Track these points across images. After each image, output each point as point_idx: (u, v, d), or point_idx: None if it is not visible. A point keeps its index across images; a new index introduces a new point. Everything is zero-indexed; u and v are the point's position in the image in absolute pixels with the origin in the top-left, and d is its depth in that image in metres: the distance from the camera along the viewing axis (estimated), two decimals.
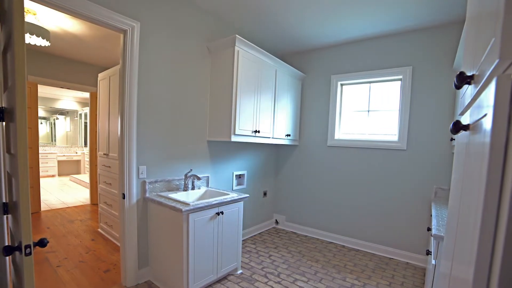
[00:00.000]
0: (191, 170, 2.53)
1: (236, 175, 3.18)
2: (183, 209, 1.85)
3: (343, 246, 3.27)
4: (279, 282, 2.34)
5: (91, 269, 2.45)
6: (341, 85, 3.40)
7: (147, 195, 2.22)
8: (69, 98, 7.96)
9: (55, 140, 8.14)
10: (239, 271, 2.49)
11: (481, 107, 0.56)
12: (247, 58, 2.59)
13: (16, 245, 0.98)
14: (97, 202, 4.64)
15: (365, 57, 3.13)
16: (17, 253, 1.00)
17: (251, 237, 3.47)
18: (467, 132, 0.72)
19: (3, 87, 1.17)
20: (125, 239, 2.15)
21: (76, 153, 8.37)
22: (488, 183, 0.44)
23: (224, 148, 2.99)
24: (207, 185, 2.78)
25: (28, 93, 3.87)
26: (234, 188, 3.17)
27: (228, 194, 2.36)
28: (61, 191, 5.82)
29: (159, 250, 2.17)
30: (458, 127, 0.71)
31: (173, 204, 1.96)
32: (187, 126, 2.53)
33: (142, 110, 2.16)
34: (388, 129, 3.09)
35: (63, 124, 8.28)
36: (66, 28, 3.09)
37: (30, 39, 2.69)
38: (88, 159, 6.18)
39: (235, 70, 2.47)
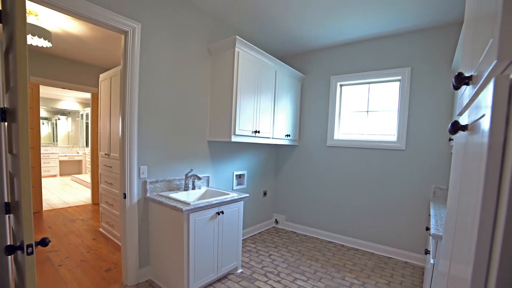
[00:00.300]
0: (192, 170, 2.56)
1: (236, 175, 3.20)
2: (183, 209, 1.87)
3: (343, 246, 3.28)
4: (279, 281, 2.36)
5: (92, 268, 2.47)
6: (340, 85, 3.42)
7: (148, 195, 2.24)
8: (70, 99, 8.00)
9: (56, 140, 8.18)
10: (239, 270, 2.51)
11: (479, 107, 0.56)
12: (247, 59, 2.60)
13: (18, 244, 0.99)
14: (98, 201, 4.67)
15: (364, 58, 3.15)
16: (19, 252, 1.01)
17: (251, 236, 3.49)
18: (465, 133, 0.72)
19: (5, 88, 1.17)
20: (126, 239, 2.17)
21: (78, 153, 8.41)
22: (486, 183, 0.44)
23: (224, 148, 3.01)
24: (208, 185, 2.80)
25: (30, 93, 3.90)
26: (234, 188, 3.19)
27: (228, 194, 2.38)
28: (63, 191, 5.86)
29: (160, 249, 2.19)
30: (456, 127, 0.71)
31: (174, 203, 1.98)
32: (187, 127, 2.55)
33: (143, 111, 2.18)
34: (387, 129, 3.10)
35: (64, 125, 8.32)
36: (68, 29, 3.12)
37: (32, 40, 2.70)
38: (89, 159, 6.21)
39: (235, 71, 2.49)
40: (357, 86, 3.32)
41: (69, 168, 8.11)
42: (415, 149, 2.84)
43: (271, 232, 3.69)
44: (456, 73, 0.70)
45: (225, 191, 2.46)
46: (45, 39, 2.76)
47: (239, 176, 3.27)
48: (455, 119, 0.81)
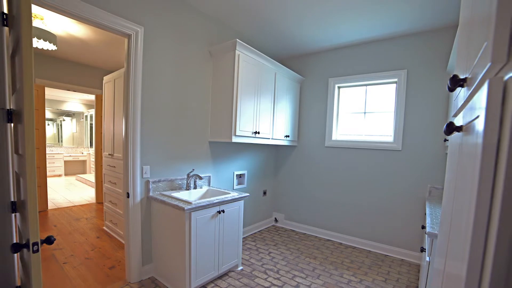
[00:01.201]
0: (193, 170, 2.62)
1: (236, 174, 3.26)
2: (185, 208, 1.91)
3: (340, 244, 3.34)
4: (278, 278, 2.42)
5: (96, 265, 2.52)
6: (338, 87, 3.46)
7: (151, 194, 2.29)
8: (75, 100, 8.10)
9: (61, 141, 8.28)
10: (240, 268, 2.57)
11: (473, 109, 0.57)
12: (248, 61, 2.66)
13: (24, 242, 1.01)
14: (102, 200, 4.74)
15: (362, 60, 3.20)
16: (25, 250, 1.03)
17: (251, 234, 3.55)
18: (460, 133, 0.73)
19: (12, 90, 1.19)
20: (130, 237, 2.22)
21: (82, 153, 8.51)
22: (481, 182, 0.44)
23: (225, 149, 3.07)
24: (209, 185, 2.86)
25: (35, 95, 3.98)
26: (235, 187, 3.25)
27: (229, 193, 2.43)
28: (68, 190, 5.94)
29: (162, 247, 2.24)
30: (451, 128, 0.71)
31: (176, 202, 2.03)
32: (189, 128, 2.61)
33: (146, 112, 2.23)
34: (383, 130, 3.15)
35: (69, 126, 8.42)
36: (73, 32, 3.19)
37: (38, 43, 2.75)
38: (93, 159, 6.30)
39: (235, 73, 2.54)
40: (354, 88, 3.37)
41: (73, 168, 8.21)
42: (411, 149, 2.89)
43: (271, 231, 3.75)
44: (451, 76, 0.71)
45: (226, 191, 2.52)
46: (50, 42, 2.81)
47: (240, 176, 3.33)
48: (450, 120, 0.82)
